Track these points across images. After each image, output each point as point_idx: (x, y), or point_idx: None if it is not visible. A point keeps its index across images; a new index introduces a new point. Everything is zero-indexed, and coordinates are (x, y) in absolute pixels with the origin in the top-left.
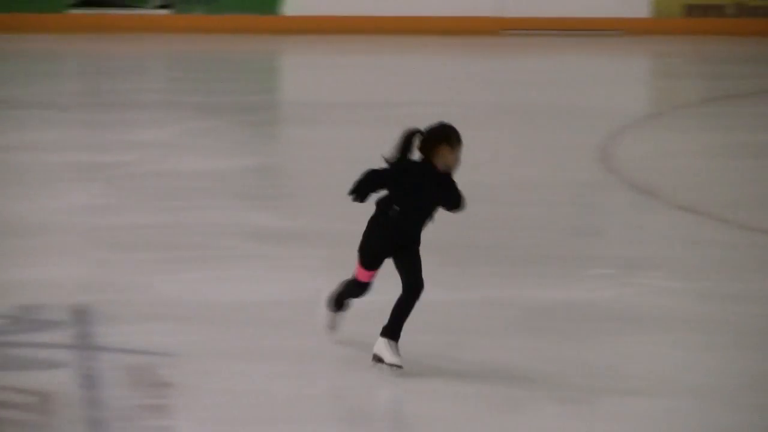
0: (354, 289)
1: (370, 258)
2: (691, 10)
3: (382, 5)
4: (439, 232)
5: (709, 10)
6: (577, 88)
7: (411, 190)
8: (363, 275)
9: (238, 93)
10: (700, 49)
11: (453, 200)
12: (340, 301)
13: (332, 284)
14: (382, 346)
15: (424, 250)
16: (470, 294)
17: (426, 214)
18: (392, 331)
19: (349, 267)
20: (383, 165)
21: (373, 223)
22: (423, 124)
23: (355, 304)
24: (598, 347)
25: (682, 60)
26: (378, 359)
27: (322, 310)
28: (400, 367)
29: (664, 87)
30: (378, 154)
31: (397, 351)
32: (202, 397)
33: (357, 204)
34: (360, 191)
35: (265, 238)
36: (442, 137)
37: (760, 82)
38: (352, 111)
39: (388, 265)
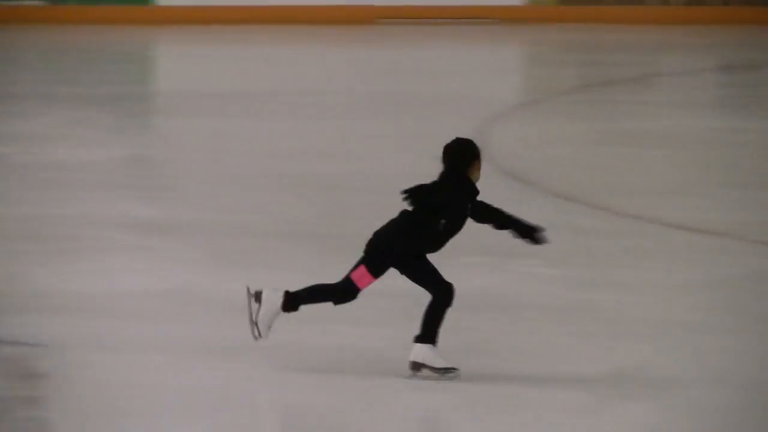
0: (343, 294)
1: (386, 265)
2: None
3: None
4: (315, 222)
5: None
6: (452, 76)
7: (459, 206)
8: (365, 281)
9: (112, 84)
10: (574, 37)
11: (489, 211)
12: (309, 301)
13: (208, 276)
14: (425, 353)
15: (300, 240)
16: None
17: (461, 228)
18: (430, 336)
19: (225, 258)
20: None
21: (407, 230)
22: (299, 114)
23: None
24: (472, 333)
25: (557, 48)
26: (417, 366)
27: (262, 307)
28: (456, 369)
29: (539, 75)
30: (254, 145)
31: (441, 355)
32: (74, 388)
33: (232, 196)
34: (417, 200)
35: (140, 229)
36: (477, 153)
37: (634, 70)
38: (227, 101)
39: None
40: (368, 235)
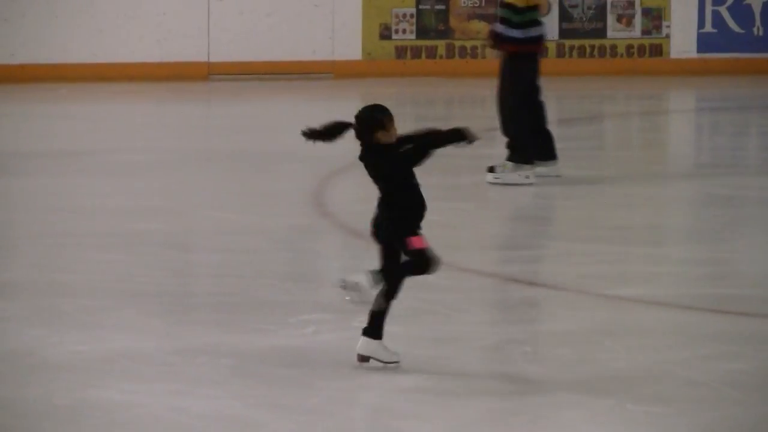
0: (422, 262)
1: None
2: (401, 52)
3: (80, 53)
4: (153, 281)
5: (419, 51)
6: (289, 132)
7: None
8: (421, 241)
9: None
10: (412, 90)
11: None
12: (398, 286)
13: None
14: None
15: (137, 301)
16: (186, 342)
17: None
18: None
19: (51, 315)
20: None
21: (415, 197)
22: (129, 172)
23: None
24: (316, 393)
25: (394, 102)
26: (364, 359)
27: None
28: (397, 362)
29: None
30: (81, 204)
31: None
32: None
33: (62, 255)
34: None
35: None
36: (380, 121)
37: (469, 124)
38: (53, 160)
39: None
40: (210, 292)
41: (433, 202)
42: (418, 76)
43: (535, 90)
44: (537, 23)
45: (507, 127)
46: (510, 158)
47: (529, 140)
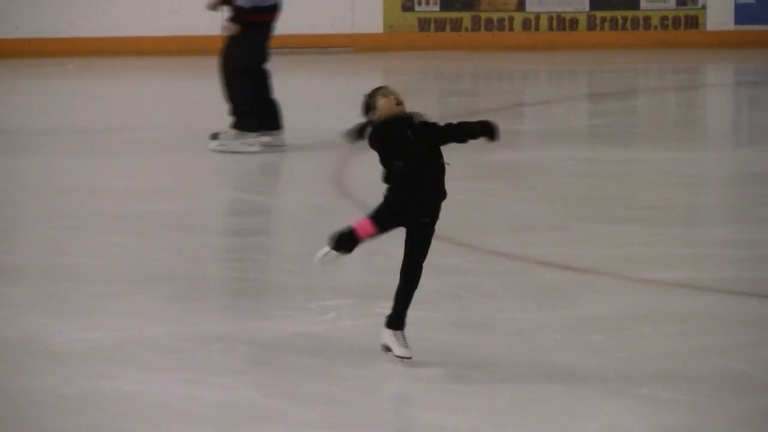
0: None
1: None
2: (424, 25)
3: (88, 26)
4: (164, 265)
5: (443, 24)
6: (307, 108)
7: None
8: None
9: None
10: (436, 64)
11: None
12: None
13: (45, 322)
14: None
15: (148, 285)
16: (200, 329)
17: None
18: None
19: (58, 301)
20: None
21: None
22: (139, 151)
23: None
24: (337, 382)
25: (417, 76)
26: (387, 349)
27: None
28: (409, 358)
29: None
30: (88, 184)
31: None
32: None
33: (69, 238)
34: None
35: None
36: (373, 104)
37: (496, 99)
38: (59, 139)
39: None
40: (225, 276)
41: (459, 182)
42: (442, 50)
43: (262, 58)
44: None
45: (231, 95)
46: (234, 125)
47: (254, 108)
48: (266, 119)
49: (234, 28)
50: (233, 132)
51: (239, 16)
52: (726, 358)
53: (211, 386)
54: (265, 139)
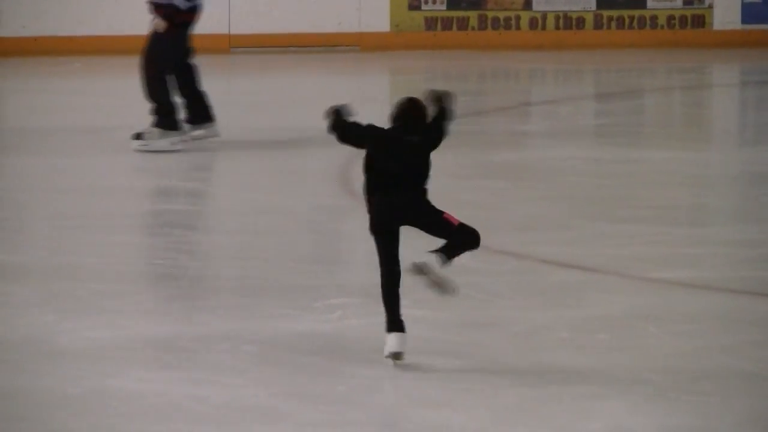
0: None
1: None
2: (431, 24)
3: (95, 25)
4: (171, 264)
5: (450, 23)
6: (313, 108)
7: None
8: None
9: None
10: (442, 64)
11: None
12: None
13: (49, 321)
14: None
15: (154, 285)
16: (205, 328)
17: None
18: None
19: (62, 300)
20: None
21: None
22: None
23: None
24: (343, 381)
25: (424, 76)
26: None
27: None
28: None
29: None
30: (96, 183)
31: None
32: None
33: (74, 237)
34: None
35: None
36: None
37: (503, 98)
38: (66, 138)
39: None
40: (231, 275)
41: (465, 181)
42: (449, 49)
43: (184, 55)
44: None
45: (152, 94)
46: (156, 124)
47: (175, 106)
48: (198, 113)
49: (162, 25)
50: (156, 131)
51: (172, 15)
52: (731, 357)
53: (216, 385)
54: (199, 133)
